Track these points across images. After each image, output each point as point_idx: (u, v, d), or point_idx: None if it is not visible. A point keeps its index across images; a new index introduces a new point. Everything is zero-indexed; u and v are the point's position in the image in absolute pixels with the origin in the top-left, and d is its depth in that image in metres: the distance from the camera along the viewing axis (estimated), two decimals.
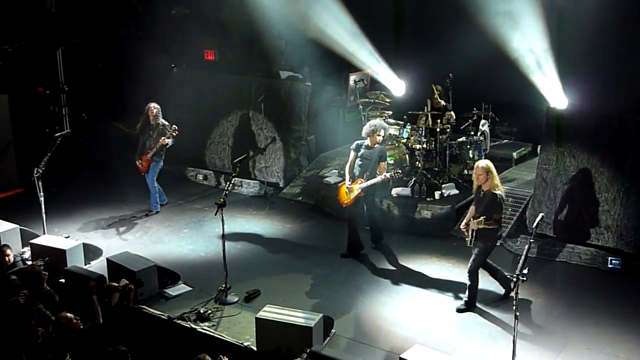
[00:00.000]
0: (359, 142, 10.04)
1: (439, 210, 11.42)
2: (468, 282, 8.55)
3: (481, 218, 8.16)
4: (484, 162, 8.20)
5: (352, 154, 10.09)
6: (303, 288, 9.81)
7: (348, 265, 10.47)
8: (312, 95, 13.87)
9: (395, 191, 12.10)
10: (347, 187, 10.04)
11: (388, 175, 9.86)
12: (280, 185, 13.69)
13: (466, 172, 12.28)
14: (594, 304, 9.34)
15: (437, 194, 11.68)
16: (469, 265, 8.49)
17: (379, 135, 9.90)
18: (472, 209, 8.61)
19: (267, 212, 12.67)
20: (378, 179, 9.86)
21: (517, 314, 6.96)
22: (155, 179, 12.29)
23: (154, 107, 12.05)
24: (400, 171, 10.56)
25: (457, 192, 12.17)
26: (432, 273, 10.05)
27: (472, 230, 8.38)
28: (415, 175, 12.27)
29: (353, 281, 10.08)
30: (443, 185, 12.17)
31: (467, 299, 8.64)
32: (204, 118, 14.50)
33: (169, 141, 12.01)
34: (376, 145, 10.02)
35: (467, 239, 8.49)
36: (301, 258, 10.76)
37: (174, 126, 12.03)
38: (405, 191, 11.97)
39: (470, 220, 8.45)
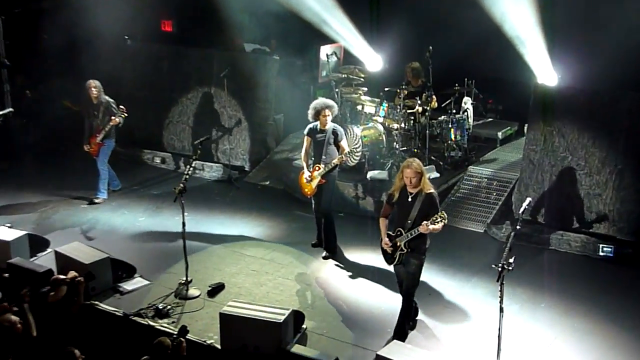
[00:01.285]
0: (312, 125, 9.97)
1: None
2: (404, 305, 8.08)
3: (431, 220, 7.63)
4: (416, 162, 7.83)
5: (306, 140, 10.04)
6: (271, 281, 9.79)
7: (320, 256, 10.46)
8: (280, 70, 13.90)
9: (370, 174, 12.10)
10: (306, 178, 10.03)
11: (344, 157, 9.79)
12: (246, 169, 13.78)
13: (447, 154, 12.41)
14: (585, 295, 9.40)
15: (431, 174, 11.65)
16: (406, 287, 8.01)
17: (326, 116, 9.82)
18: (383, 222, 8.12)
19: (231, 198, 12.73)
20: (335, 160, 9.78)
21: (502, 306, 6.96)
22: (106, 162, 12.23)
23: (94, 85, 11.95)
24: (357, 149, 10.66)
25: (437, 175, 12.19)
26: None
27: (401, 246, 7.94)
28: (392, 157, 12.29)
29: (326, 273, 10.06)
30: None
31: (400, 327, 8.08)
32: (161, 95, 14.53)
33: (120, 120, 11.96)
34: (328, 126, 9.93)
35: (395, 256, 7.99)
36: (269, 248, 10.72)
37: (121, 106, 11.99)
38: (382, 174, 11.94)
39: (399, 233, 7.96)
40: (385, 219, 8.14)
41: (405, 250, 7.85)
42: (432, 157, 12.43)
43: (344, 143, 9.94)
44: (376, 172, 12.08)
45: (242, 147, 13.80)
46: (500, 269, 6.88)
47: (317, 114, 9.80)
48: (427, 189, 7.75)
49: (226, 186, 13.14)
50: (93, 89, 11.92)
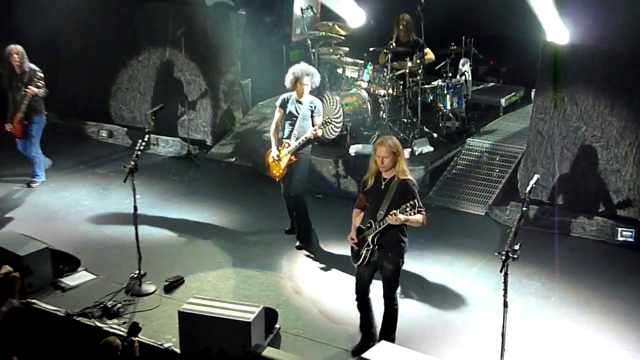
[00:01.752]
0: (285, 96, 9.99)
1: None
2: (386, 314, 8.10)
3: (401, 208, 7.51)
4: (392, 140, 7.75)
5: (278, 112, 10.06)
6: (238, 274, 9.85)
7: (294, 245, 10.53)
8: (247, 28, 13.95)
9: (354, 149, 12.16)
10: (273, 157, 10.07)
11: (318, 131, 9.76)
12: (208, 143, 13.85)
13: (442, 125, 12.57)
14: (602, 286, 9.47)
15: (406, 152, 11.40)
16: (384, 295, 8.02)
17: (304, 84, 9.81)
18: (357, 214, 8.05)
19: (191, 177, 12.84)
20: (307, 134, 9.79)
21: (507, 300, 7.01)
22: (38, 144, 12.09)
23: (16, 52, 11.70)
24: (337, 120, 10.71)
25: (431, 149, 12.31)
26: None
27: (368, 241, 7.87)
28: (378, 128, 12.36)
29: (301, 264, 10.14)
30: (414, 141, 12.29)
31: (384, 338, 8.04)
32: (106, 58, 14.50)
33: (40, 92, 11.77)
34: (305, 98, 9.93)
35: (361, 254, 7.89)
36: (235, 236, 10.81)
37: (39, 73, 11.74)
38: (367, 148, 11.93)
39: (368, 226, 7.90)
40: (359, 210, 8.06)
41: (372, 247, 7.79)
42: (425, 129, 12.52)
43: (318, 120, 9.94)
44: (360, 146, 12.15)
45: (203, 118, 13.84)
46: (504, 258, 6.91)
47: (295, 82, 9.82)
48: (403, 174, 7.71)
49: (185, 163, 13.25)
50: (15, 55, 11.69)
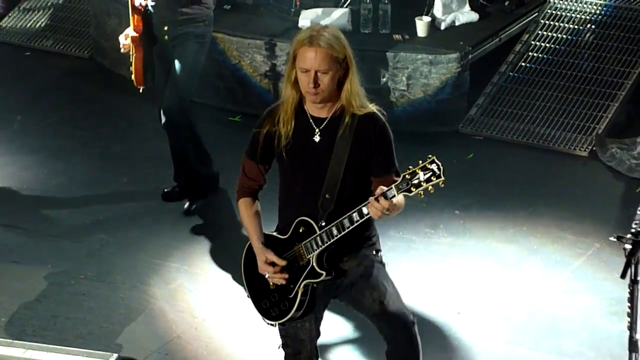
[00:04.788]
0: None
1: (426, 66, 9.04)
2: (403, 345, 5.37)
3: (396, 184, 4.82)
4: (326, 32, 4.97)
5: None
6: (63, 289, 7.26)
7: (180, 214, 8.05)
8: None
9: (306, 17, 9.40)
10: (127, 34, 7.50)
11: None
12: None
13: None
14: None
15: (422, 24, 8.90)
16: (392, 319, 5.31)
17: None
18: (248, 208, 5.45)
19: None
20: None
21: (636, 338, 4.72)
22: None
23: None
24: None
25: (474, 17, 9.23)
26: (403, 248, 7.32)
27: (312, 264, 5.24)
28: None
29: (196, 256, 7.52)
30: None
31: None
32: None
33: None
34: None
35: (295, 295, 5.39)
36: (49, 214, 8.23)
37: None
38: (326, 16, 9.40)
39: (302, 231, 5.26)
40: (252, 199, 5.21)
41: (322, 276, 5.05)
42: None
43: None
44: (319, 11, 9.41)
45: None
46: (630, 246, 4.48)
47: None
48: (360, 104, 5.02)
49: None
50: None
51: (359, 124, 5.00)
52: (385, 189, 4.63)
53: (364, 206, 4.71)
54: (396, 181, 4.67)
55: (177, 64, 7.40)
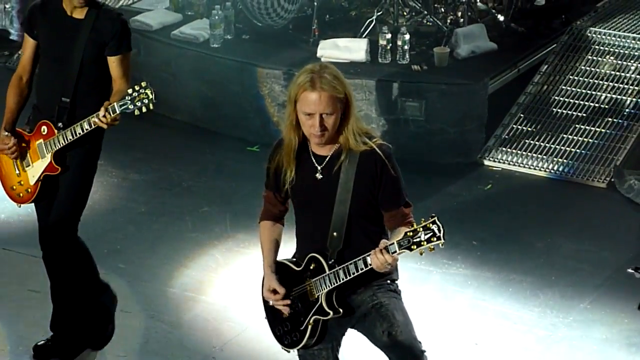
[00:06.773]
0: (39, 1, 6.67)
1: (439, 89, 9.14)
2: None
3: (398, 239, 4.76)
4: (327, 73, 4.85)
5: (26, 42, 6.50)
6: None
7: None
8: None
9: (324, 48, 9.37)
10: (10, 154, 6.57)
11: (108, 112, 6.08)
12: None
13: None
14: None
15: (439, 55, 9.06)
16: (401, 336, 5.25)
17: None
18: (269, 233, 5.48)
19: None
20: (94, 119, 6.14)
21: None
22: None
23: None
24: None
25: (492, 47, 9.27)
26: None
27: (321, 301, 5.23)
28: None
29: (203, 301, 7.53)
30: (456, 31, 9.32)
31: None
32: None
33: None
34: (85, 12, 6.35)
35: (304, 326, 5.36)
36: None
37: None
38: (341, 50, 9.31)
39: (312, 267, 5.19)
40: (272, 223, 5.22)
41: (329, 315, 5.03)
42: (480, 3, 10.00)
43: (119, 70, 6.28)
44: (333, 42, 9.49)
45: None
46: None
47: None
48: (360, 141, 5.00)
49: None
50: None
51: (361, 160, 5.00)
52: (388, 242, 4.67)
53: (367, 256, 4.74)
54: (407, 214, 4.82)
55: (71, 184, 6.75)
